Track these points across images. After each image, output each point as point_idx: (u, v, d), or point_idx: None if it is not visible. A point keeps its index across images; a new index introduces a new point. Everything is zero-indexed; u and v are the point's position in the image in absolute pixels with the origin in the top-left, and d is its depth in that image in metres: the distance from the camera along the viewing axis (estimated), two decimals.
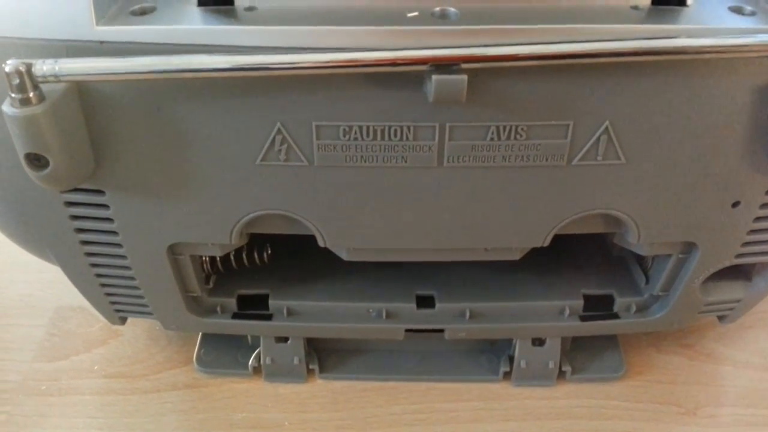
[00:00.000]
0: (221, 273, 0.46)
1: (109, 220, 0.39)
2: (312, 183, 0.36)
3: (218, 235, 0.39)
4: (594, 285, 0.47)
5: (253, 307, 0.46)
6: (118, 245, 0.40)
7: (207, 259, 0.45)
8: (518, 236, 0.39)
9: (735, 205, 0.38)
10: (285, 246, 0.49)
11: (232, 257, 0.45)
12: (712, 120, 0.34)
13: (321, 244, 0.39)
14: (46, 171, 0.33)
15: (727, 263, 0.41)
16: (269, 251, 0.46)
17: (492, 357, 0.50)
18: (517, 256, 0.41)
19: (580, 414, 0.47)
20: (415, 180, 0.36)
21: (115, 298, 0.45)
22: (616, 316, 0.46)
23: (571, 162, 0.35)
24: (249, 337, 0.50)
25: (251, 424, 0.47)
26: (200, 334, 0.51)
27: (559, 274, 0.47)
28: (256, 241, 0.46)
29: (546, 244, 0.39)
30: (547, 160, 0.35)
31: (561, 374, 0.49)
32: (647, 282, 0.45)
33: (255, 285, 0.46)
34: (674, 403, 0.48)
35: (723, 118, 0.34)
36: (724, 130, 0.34)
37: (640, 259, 0.47)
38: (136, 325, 0.54)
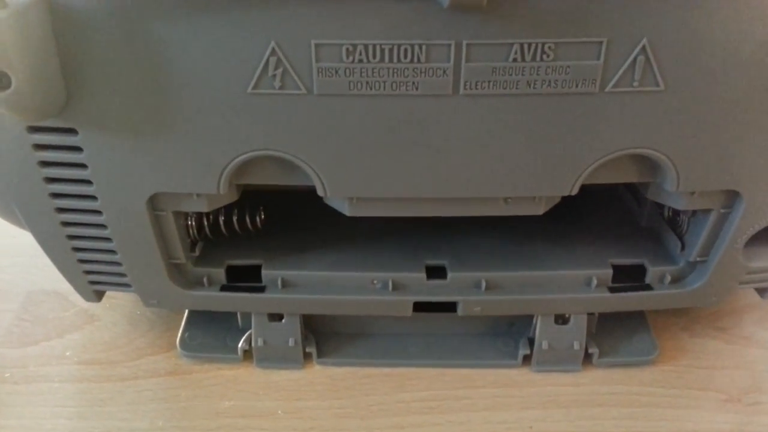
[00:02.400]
0: (209, 240, 0.42)
1: (82, 166, 0.34)
2: (311, 116, 0.32)
3: (205, 183, 0.34)
4: (623, 254, 0.42)
5: (243, 280, 0.42)
6: (93, 197, 0.36)
7: (193, 222, 0.40)
8: (543, 182, 0.34)
9: None
10: (280, 214, 0.44)
11: (221, 222, 0.41)
12: (763, 41, 0.30)
13: (320, 193, 0.35)
14: (8, 91, 0.28)
15: None
16: (263, 216, 0.42)
17: (509, 341, 0.45)
18: (540, 210, 0.37)
19: (611, 401, 0.42)
20: (427, 112, 0.32)
21: (90, 266, 0.40)
22: (648, 288, 0.41)
23: (604, 88, 0.31)
24: (239, 320, 0.45)
25: (240, 412, 0.41)
26: (185, 316, 0.46)
27: (583, 244, 0.43)
28: (248, 205, 0.42)
29: (573, 192, 0.35)
30: (577, 86, 0.31)
31: (587, 358, 0.44)
32: (683, 248, 0.41)
33: (246, 255, 0.42)
34: (715, 389, 0.43)
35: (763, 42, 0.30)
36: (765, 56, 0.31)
37: (674, 225, 0.42)
38: (115, 310, 0.49)
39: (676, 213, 0.41)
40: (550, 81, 0.31)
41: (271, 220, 0.43)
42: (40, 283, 0.51)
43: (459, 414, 0.41)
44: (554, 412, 0.41)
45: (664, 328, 0.47)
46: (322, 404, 0.42)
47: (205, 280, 0.41)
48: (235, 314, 0.45)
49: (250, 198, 0.40)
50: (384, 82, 0.31)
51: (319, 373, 0.44)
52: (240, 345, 0.44)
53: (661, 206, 0.43)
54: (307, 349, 0.44)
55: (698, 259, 0.40)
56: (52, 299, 0.50)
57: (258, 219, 0.42)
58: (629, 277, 0.42)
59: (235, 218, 0.41)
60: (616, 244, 0.43)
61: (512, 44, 0.30)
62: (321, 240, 0.43)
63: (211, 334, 0.45)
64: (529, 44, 0.30)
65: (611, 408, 0.42)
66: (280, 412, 0.41)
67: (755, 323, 0.48)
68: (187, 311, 0.47)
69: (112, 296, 0.50)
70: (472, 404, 0.42)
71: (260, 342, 0.43)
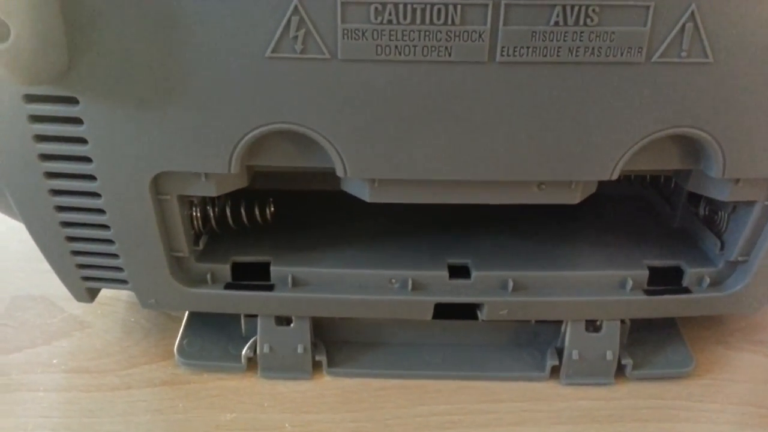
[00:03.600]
0: (215, 234, 0.39)
1: (81, 140, 0.32)
2: (334, 84, 0.29)
3: (215, 161, 0.31)
4: (658, 256, 0.39)
5: (250, 280, 0.38)
6: (91, 177, 0.33)
7: (198, 213, 0.37)
8: (582, 164, 0.32)
9: None
10: (290, 211, 0.42)
11: (228, 213, 0.38)
12: None
13: (340, 173, 0.32)
14: (6, 44, 0.26)
15: None
16: (272, 209, 0.39)
17: (534, 352, 0.41)
18: (576, 198, 0.34)
19: (648, 416, 0.39)
20: (460, 81, 0.29)
21: (84, 258, 0.37)
22: (687, 291, 0.38)
23: (650, 58, 0.29)
24: (243, 326, 0.41)
25: (243, 426, 0.38)
26: (184, 321, 0.43)
27: (616, 246, 0.40)
28: (257, 197, 0.39)
29: (614, 177, 0.32)
30: (622, 54, 0.29)
31: (619, 370, 0.40)
32: (722, 247, 0.38)
33: (254, 251, 0.39)
34: (757, 405, 0.39)
35: None
36: None
37: (711, 223, 0.40)
38: (107, 317, 0.46)
39: (714, 211, 0.39)
40: (593, 48, 0.29)
41: (281, 217, 0.40)
42: (26, 288, 0.48)
43: (483, 429, 0.38)
44: (588, 427, 0.38)
45: (697, 341, 0.44)
46: (334, 417, 0.38)
47: (208, 276, 0.38)
48: (238, 320, 0.41)
49: (259, 191, 0.38)
50: (414, 46, 0.28)
51: (329, 385, 0.40)
52: (243, 352, 0.40)
53: (695, 206, 0.41)
54: (317, 358, 0.40)
55: (739, 258, 0.37)
56: (39, 305, 0.46)
57: (268, 211, 0.39)
58: (666, 276, 0.39)
59: (243, 210, 0.38)
60: (650, 246, 0.40)
61: (554, 6, 0.28)
62: (335, 237, 0.40)
63: (212, 341, 0.42)
64: (572, 6, 0.28)
65: (648, 423, 0.38)
66: (287, 425, 0.38)
67: None
68: (186, 317, 0.43)
69: (104, 303, 0.47)
70: (498, 419, 0.38)
71: (266, 348, 0.39)
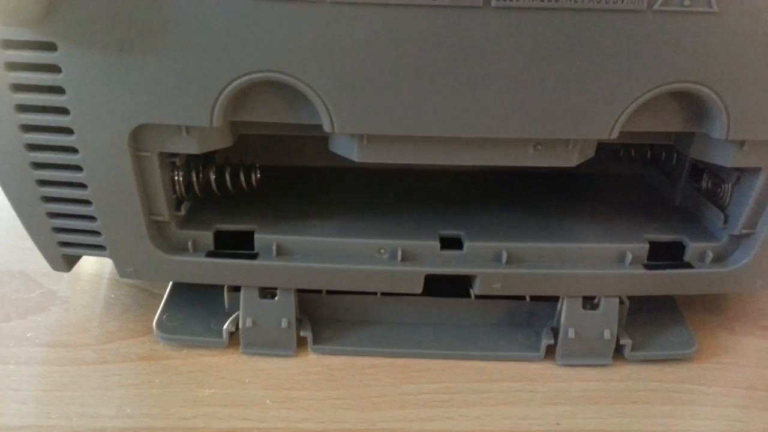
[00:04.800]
0: (198, 201, 0.37)
1: (59, 90, 0.30)
2: (320, 29, 0.28)
3: (197, 113, 0.30)
4: (658, 230, 0.38)
5: (234, 249, 0.37)
6: (69, 131, 0.31)
7: (181, 177, 0.36)
8: (579, 121, 0.30)
9: None
10: (278, 181, 0.40)
11: (212, 177, 0.36)
12: None
13: (327, 128, 0.31)
14: None
15: None
16: (258, 174, 0.38)
17: (529, 332, 0.40)
18: (573, 161, 0.33)
19: (647, 398, 0.37)
20: (453, 28, 0.28)
21: (61, 221, 0.35)
22: (689, 266, 0.37)
23: (652, 6, 0.28)
24: (226, 301, 0.39)
25: (222, 401, 0.36)
26: (165, 295, 0.41)
27: (615, 220, 0.39)
28: (243, 162, 0.38)
29: (613, 136, 0.31)
30: (623, 1, 0.27)
31: (617, 352, 0.39)
32: (725, 221, 0.37)
33: (238, 220, 0.37)
34: (762, 389, 0.38)
35: None
36: None
37: (714, 197, 0.38)
38: (86, 293, 0.44)
39: (717, 184, 0.37)
40: None
41: (268, 188, 0.38)
42: (6, 263, 0.46)
43: (474, 408, 0.36)
44: (584, 409, 0.36)
45: (701, 325, 0.42)
46: (317, 394, 0.36)
47: (190, 244, 0.36)
48: (221, 295, 0.39)
49: (245, 156, 0.36)
50: None
51: (314, 362, 0.39)
52: (225, 327, 0.38)
53: (698, 181, 0.39)
54: (302, 334, 0.38)
55: (744, 231, 0.36)
56: (17, 280, 0.45)
57: (253, 177, 0.37)
58: (665, 258, 0.37)
59: (227, 175, 0.37)
60: (651, 222, 0.39)
61: None
62: (323, 207, 0.38)
63: (194, 316, 0.40)
64: None
65: (648, 405, 0.36)
66: (268, 401, 0.36)
67: None
68: (168, 291, 0.42)
69: (85, 279, 0.46)
70: (489, 398, 0.37)
71: (248, 323, 0.38)
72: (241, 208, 0.38)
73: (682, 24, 0.28)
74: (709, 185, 0.38)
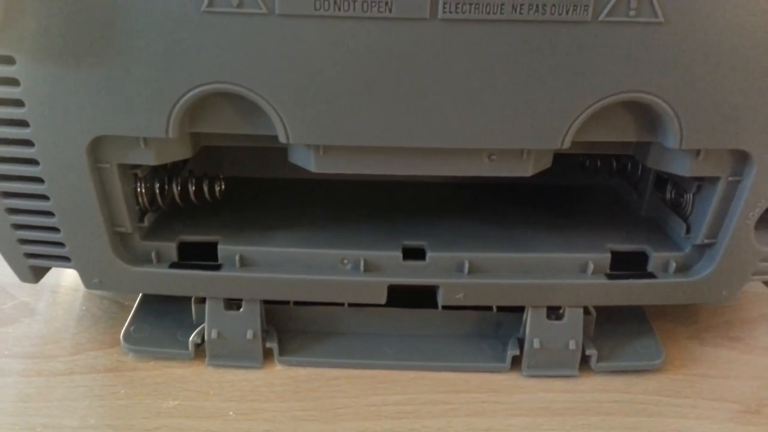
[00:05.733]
0: (162, 212, 0.38)
1: (18, 103, 0.31)
2: (271, 41, 0.28)
3: (152, 124, 0.30)
4: (622, 240, 0.38)
5: (198, 260, 0.37)
6: (29, 143, 0.32)
7: (143, 189, 0.36)
8: (530, 131, 0.30)
9: None
10: (243, 193, 0.41)
11: (175, 188, 0.37)
12: None
13: (282, 139, 0.31)
14: None
15: None
16: (222, 186, 0.38)
17: (497, 343, 0.40)
18: (528, 171, 0.33)
19: (613, 409, 0.37)
20: (402, 40, 0.28)
21: (25, 232, 0.35)
22: (651, 276, 0.37)
23: (597, 17, 0.28)
24: (193, 312, 0.40)
25: (186, 413, 0.36)
26: (134, 307, 0.41)
27: (579, 230, 0.39)
28: (207, 174, 0.38)
29: (566, 146, 0.31)
30: (568, 12, 0.28)
31: (584, 362, 0.39)
32: (688, 231, 0.37)
33: (202, 231, 0.37)
34: (730, 400, 0.37)
35: None
36: None
37: (677, 206, 0.38)
38: (58, 305, 0.44)
39: (680, 194, 0.38)
40: (537, 6, 0.28)
41: (232, 199, 0.39)
42: None
43: (438, 419, 0.36)
44: (547, 420, 0.36)
45: (671, 336, 0.42)
46: (281, 406, 0.36)
47: (153, 255, 0.36)
48: (189, 307, 0.40)
49: (209, 168, 0.37)
50: (354, 1, 0.28)
51: (280, 374, 0.39)
52: (191, 338, 0.39)
53: (663, 191, 0.39)
54: (268, 345, 0.39)
55: (706, 241, 0.36)
56: None
57: (217, 188, 0.38)
58: (630, 268, 0.37)
59: (191, 186, 0.37)
60: (615, 232, 0.39)
61: None
62: (287, 219, 0.39)
63: (161, 328, 0.40)
64: None
65: (613, 417, 0.36)
66: (231, 413, 0.36)
67: None
68: (137, 302, 0.42)
69: (57, 291, 0.46)
70: (453, 410, 0.36)
71: (214, 334, 0.38)
72: (207, 219, 0.38)
73: (629, 34, 0.28)
74: (673, 195, 0.38)
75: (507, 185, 0.43)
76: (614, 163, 0.43)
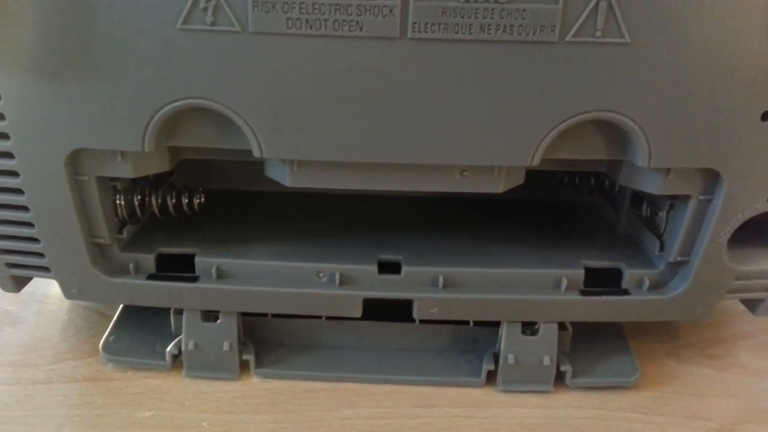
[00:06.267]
0: (141, 224, 0.38)
1: None
2: (245, 58, 0.29)
3: (128, 138, 0.31)
4: (597, 257, 0.38)
5: (177, 272, 0.37)
6: (9, 155, 0.32)
7: (122, 201, 0.36)
8: (500, 149, 0.31)
9: (765, 116, 0.31)
10: (222, 206, 0.41)
11: (153, 200, 0.37)
12: None
13: (256, 154, 0.31)
14: None
15: (760, 208, 0.33)
16: (202, 199, 0.38)
17: (473, 358, 0.40)
18: (499, 188, 0.33)
19: (587, 426, 0.37)
20: (373, 58, 0.29)
21: (6, 242, 0.36)
22: (625, 293, 0.37)
23: (564, 38, 0.28)
24: (172, 324, 0.40)
25: (160, 423, 0.36)
26: (114, 319, 0.42)
27: (554, 247, 0.39)
28: (186, 187, 0.39)
29: (535, 163, 0.31)
30: (534, 33, 0.28)
31: (559, 378, 0.39)
32: (662, 248, 0.37)
33: (181, 243, 0.38)
34: (705, 418, 0.37)
35: None
36: (746, 11, 0.28)
37: (652, 224, 0.38)
38: (42, 314, 0.45)
39: (654, 212, 0.38)
40: (505, 26, 0.28)
41: (212, 212, 0.39)
42: None
43: None
44: None
45: (648, 353, 0.42)
46: (254, 418, 0.37)
47: (131, 267, 0.37)
48: (169, 318, 0.40)
49: (189, 180, 0.37)
50: (325, 20, 0.28)
51: (256, 386, 0.39)
52: (168, 349, 0.39)
53: (639, 208, 0.40)
54: (245, 357, 0.39)
55: (679, 259, 0.36)
56: None
57: (196, 201, 0.38)
58: (605, 285, 0.38)
59: (170, 198, 0.38)
60: (591, 249, 0.39)
61: None
62: (264, 232, 0.39)
63: (140, 338, 0.40)
64: None
65: None
66: (205, 424, 0.36)
67: (750, 351, 0.43)
68: (118, 313, 0.42)
69: (42, 300, 0.46)
70: (427, 424, 0.37)
71: (191, 345, 0.38)
72: (186, 231, 0.39)
73: (596, 55, 0.29)
74: (648, 213, 0.39)
75: (489, 200, 0.44)
76: (592, 181, 0.43)
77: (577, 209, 0.45)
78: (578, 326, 0.40)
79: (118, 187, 0.36)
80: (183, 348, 0.38)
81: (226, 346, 0.38)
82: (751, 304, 0.39)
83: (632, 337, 0.42)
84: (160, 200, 0.38)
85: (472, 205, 0.44)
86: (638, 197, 0.40)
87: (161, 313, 0.40)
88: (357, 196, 0.43)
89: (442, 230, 0.41)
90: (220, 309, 0.37)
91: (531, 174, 0.34)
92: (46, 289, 0.47)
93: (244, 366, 0.39)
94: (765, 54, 0.29)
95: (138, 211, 0.37)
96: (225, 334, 0.38)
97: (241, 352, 0.39)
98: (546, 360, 0.38)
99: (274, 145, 0.31)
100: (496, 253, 0.38)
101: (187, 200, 0.38)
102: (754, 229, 0.37)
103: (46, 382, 0.39)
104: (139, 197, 0.37)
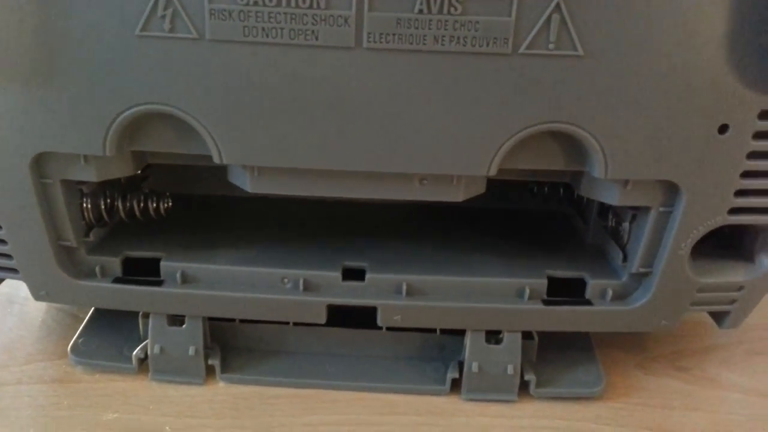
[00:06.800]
0: (108, 228, 0.38)
1: None
2: (202, 65, 0.29)
3: (90, 142, 0.31)
4: (561, 266, 0.38)
5: (145, 275, 0.38)
6: None
7: (88, 204, 0.37)
8: (457, 158, 0.31)
9: (723, 130, 0.31)
10: (190, 211, 0.41)
11: (120, 204, 0.38)
12: (685, 7, 0.28)
13: (216, 160, 0.32)
14: None
15: (720, 221, 0.33)
16: (169, 203, 0.39)
17: (440, 366, 0.40)
18: (459, 196, 0.33)
19: None
20: (329, 66, 0.29)
21: None
22: (588, 303, 0.37)
23: (517, 50, 0.29)
24: (140, 327, 0.40)
25: (123, 426, 0.36)
26: (85, 321, 0.42)
27: (520, 256, 0.39)
28: (154, 191, 0.39)
29: (492, 173, 0.31)
30: (488, 44, 0.29)
31: (523, 387, 0.39)
32: (625, 259, 0.37)
33: (147, 247, 0.38)
34: (668, 430, 0.37)
35: (700, 5, 0.28)
36: (700, 24, 0.28)
37: (616, 235, 0.38)
38: (15, 316, 0.45)
39: (619, 222, 0.38)
40: (458, 38, 0.28)
41: (180, 217, 0.40)
42: None
43: None
44: None
45: (616, 364, 0.42)
46: (217, 423, 0.37)
47: (97, 270, 0.37)
48: (137, 321, 0.40)
49: (163, 184, 0.37)
50: (281, 29, 0.29)
51: (221, 391, 0.39)
52: (135, 353, 0.39)
53: (605, 218, 0.40)
54: (210, 362, 0.39)
55: (641, 270, 0.36)
56: None
57: (162, 206, 0.39)
58: (570, 287, 0.38)
59: (137, 203, 0.38)
60: (556, 258, 0.39)
61: None
62: (231, 237, 0.39)
63: (109, 341, 0.41)
64: None
65: None
66: (167, 428, 0.36)
67: (720, 364, 0.43)
68: (89, 315, 0.43)
69: (16, 302, 0.47)
70: (390, 431, 0.37)
71: (157, 349, 0.38)
72: (154, 235, 0.39)
73: (549, 67, 0.29)
74: (613, 223, 0.39)
75: (459, 208, 0.44)
76: (561, 190, 0.43)
77: (548, 218, 0.45)
78: (546, 335, 0.40)
79: (85, 190, 0.36)
80: (149, 352, 0.39)
81: (191, 351, 0.38)
82: (718, 317, 0.39)
83: (602, 348, 0.42)
84: (127, 204, 0.38)
85: (442, 213, 0.44)
86: (605, 207, 0.40)
87: (131, 316, 0.40)
88: (324, 201, 0.44)
89: (410, 237, 0.41)
90: (185, 313, 0.38)
91: (500, 182, 0.35)
92: (24, 290, 0.48)
93: (210, 371, 0.40)
94: (721, 66, 0.29)
95: (105, 214, 0.38)
96: (190, 338, 0.38)
97: (207, 356, 0.39)
98: (510, 369, 0.38)
99: (233, 152, 0.31)
100: (461, 261, 0.39)
101: (154, 205, 0.38)
102: (719, 242, 0.37)
103: (14, 383, 0.39)
104: (108, 201, 0.38)
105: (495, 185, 0.35)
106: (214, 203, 0.43)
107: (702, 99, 0.30)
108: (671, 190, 0.33)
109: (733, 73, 0.29)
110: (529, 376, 0.38)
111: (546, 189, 0.44)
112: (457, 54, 0.29)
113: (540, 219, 0.45)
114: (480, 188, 0.34)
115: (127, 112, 0.30)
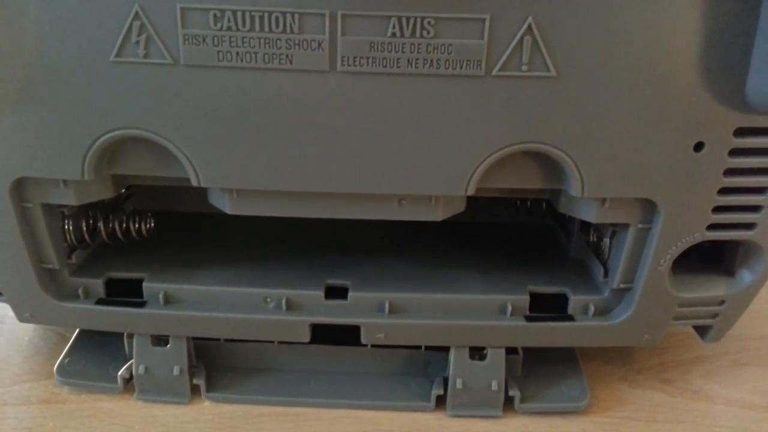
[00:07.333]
0: (90, 249, 0.38)
1: None
2: (178, 90, 0.29)
3: (68, 167, 0.31)
4: (544, 282, 0.38)
5: (128, 296, 0.38)
6: None
7: (70, 226, 0.37)
8: (434, 179, 0.31)
9: (698, 147, 0.31)
10: (173, 231, 0.41)
11: (101, 226, 0.38)
12: (657, 25, 0.28)
13: (194, 182, 0.32)
14: None
15: (699, 237, 0.33)
16: (151, 224, 0.39)
17: (425, 382, 0.40)
18: (438, 216, 0.33)
19: None
20: (304, 90, 0.29)
21: None
22: (570, 319, 0.37)
23: (490, 72, 0.29)
24: (126, 346, 0.40)
25: None
26: (71, 341, 0.42)
27: (502, 271, 0.39)
28: (136, 212, 0.39)
29: (469, 192, 0.32)
30: (461, 67, 0.29)
31: (508, 402, 0.39)
32: (606, 274, 0.37)
33: (131, 267, 0.38)
34: None
35: (672, 22, 0.28)
36: (675, 41, 0.29)
37: (597, 250, 0.39)
38: (2, 335, 0.45)
39: (600, 237, 0.38)
40: (432, 60, 0.29)
41: (163, 237, 0.40)
42: None
43: None
44: None
45: (601, 377, 0.42)
46: None
47: (80, 291, 0.37)
48: (123, 340, 0.40)
49: (139, 205, 0.38)
50: (255, 53, 0.29)
51: (207, 410, 0.39)
52: (120, 373, 0.39)
53: (587, 234, 0.40)
54: (195, 381, 0.39)
55: (622, 285, 0.36)
56: None
57: (144, 227, 0.39)
58: (552, 303, 0.38)
59: (118, 224, 0.38)
60: (538, 273, 0.39)
61: (390, 17, 0.28)
62: (213, 257, 0.39)
63: (95, 361, 0.41)
64: (408, 18, 0.28)
65: None
66: None
67: (704, 377, 0.43)
68: (75, 335, 0.43)
69: (4, 321, 0.47)
70: None
71: (142, 370, 0.38)
72: (137, 255, 0.39)
73: (523, 88, 0.29)
74: (595, 239, 0.39)
75: (442, 224, 0.44)
76: (544, 205, 0.43)
77: (531, 232, 0.45)
78: (531, 350, 0.40)
79: (66, 212, 0.36)
80: (134, 372, 0.39)
81: (176, 371, 0.38)
82: (701, 330, 0.39)
83: (586, 361, 0.42)
84: (110, 226, 0.38)
85: (425, 229, 0.44)
86: (586, 222, 0.40)
87: (117, 336, 0.40)
88: (306, 220, 0.44)
89: (392, 253, 0.41)
90: (168, 334, 0.38)
91: (483, 197, 0.35)
92: (5, 309, 0.48)
93: (195, 390, 0.40)
94: (695, 84, 0.29)
95: (87, 236, 0.38)
96: (175, 358, 0.38)
97: (192, 375, 0.39)
98: (494, 385, 0.38)
99: (210, 175, 0.31)
100: (444, 278, 0.39)
101: (136, 226, 0.38)
102: (700, 256, 0.37)
103: (1, 404, 0.39)
104: (90, 222, 0.38)
105: (477, 199, 0.35)
106: (198, 221, 0.43)
107: (677, 117, 0.30)
108: (649, 207, 0.33)
109: (707, 90, 0.29)
110: (514, 392, 0.38)
111: (529, 203, 0.44)
112: (431, 76, 0.29)
113: (524, 232, 0.45)
114: (459, 207, 0.34)
115: (105, 137, 0.31)
